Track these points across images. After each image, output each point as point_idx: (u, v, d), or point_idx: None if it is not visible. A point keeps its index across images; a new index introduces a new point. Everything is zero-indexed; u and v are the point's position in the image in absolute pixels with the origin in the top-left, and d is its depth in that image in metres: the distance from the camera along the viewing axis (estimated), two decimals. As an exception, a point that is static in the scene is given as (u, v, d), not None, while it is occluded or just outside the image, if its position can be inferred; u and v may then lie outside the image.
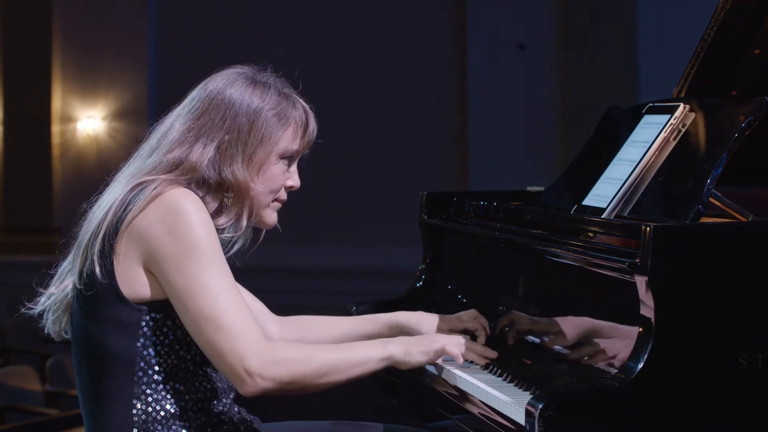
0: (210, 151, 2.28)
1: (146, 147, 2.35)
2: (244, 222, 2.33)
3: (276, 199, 2.39)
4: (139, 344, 2.24)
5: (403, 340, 2.43)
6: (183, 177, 2.26)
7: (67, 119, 9.67)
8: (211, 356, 2.20)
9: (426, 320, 2.69)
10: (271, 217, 2.40)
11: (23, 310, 2.42)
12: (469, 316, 2.70)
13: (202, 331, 2.18)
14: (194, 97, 2.35)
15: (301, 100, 2.40)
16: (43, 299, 2.39)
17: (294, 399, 2.33)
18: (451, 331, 2.67)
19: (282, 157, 2.35)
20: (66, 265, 2.37)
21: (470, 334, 2.67)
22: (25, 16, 9.70)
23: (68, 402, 6.64)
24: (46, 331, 2.40)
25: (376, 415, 2.74)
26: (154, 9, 9.36)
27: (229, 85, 2.33)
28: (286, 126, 2.34)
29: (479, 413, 2.35)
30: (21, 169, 9.77)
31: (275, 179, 2.35)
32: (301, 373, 2.21)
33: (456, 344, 2.45)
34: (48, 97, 9.62)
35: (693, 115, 2.52)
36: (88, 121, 9.58)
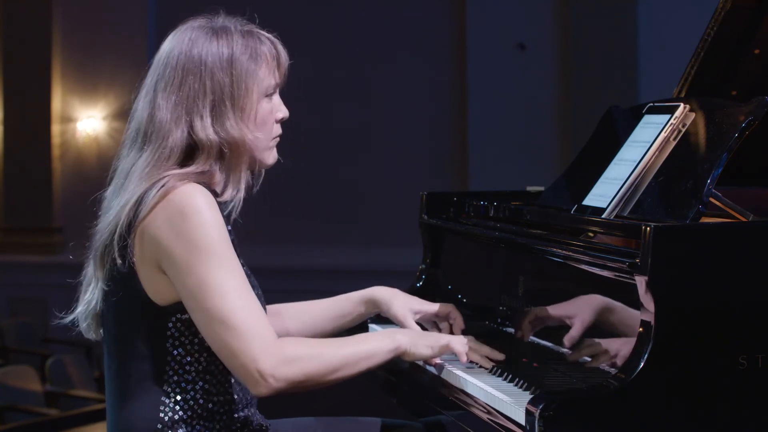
0: (207, 119, 2.24)
1: (134, 132, 2.29)
2: (244, 178, 2.28)
3: (273, 138, 2.35)
4: (168, 344, 2.23)
5: (410, 332, 2.43)
6: (202, 164, 2.22)
7: (67, 119, 9.67)
8: (224, 357, 2.17)
9: (399, 296, 2.66)
10: (271, 156, 2.36)
11: (56, 322, 2.39)
12: (445, 307, 2.69)
13: (214, 332, 2.15)
14: (164, 65, 2.28)
15: (264, 33, 2.35)
16: (72, 315, 2.36)
17: (293, 399, 2.33)
18: (420, 312, 2.66)
19: (266, 95, 2.32)
20: (87, 278, 2.33)
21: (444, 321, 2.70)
22: (25, 16, 9.70)
23: (68, 402, 6.64)
24: (86, 336, 2.37)
25: (375, 414, 2.74)
26: (154, 9, 9.36)
27: (193, 44, 2.27)
28: (261, 64, 2.30)
29: (479, 413, 2.35)
30: (21, 169, 9.77)
31: (266, 120, 2.31)
32: (312, 371, 2.19)
33: (461, 343, 2.45)
34: (48, 97, 9.62)
35: (693, 115, 2.52)
36: (88, 121, 9.58)
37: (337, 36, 8.77)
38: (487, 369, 2.51)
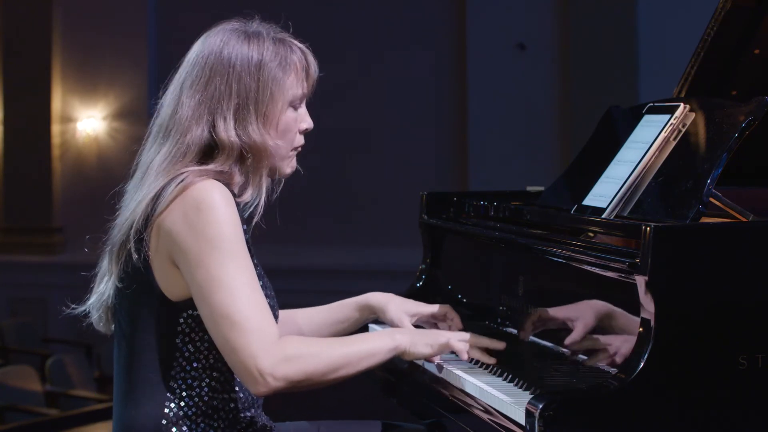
0: (230, 121, 2.24)
1: (157, 127, 2.30)
2: (264, 183, 2.29)
3: (294, 148, 2.35)
4: (178, 341, 2.24)
5: (409, 331, 2.43)
6: (221, 164, 2.23)
7: (67, 119, 9.67)
8: (226, 353, 2.17)
9: (394, 301, 2.67)
10: (289, 166, 2.36)
11: (67, 312, 2.40)
12: (442, 308, 2.69)
13: (219, 326, 2.15)
14: (193, 64, 2.30)
15: (296, 42, 2.36)
16: (84, 306, 2.37)
17: (296, 401, 2.33)
18: (416, 315, 2.66)
19: (291, 104, 2.32)
20: (102, 270, 2.34)
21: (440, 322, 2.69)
22: (25, 17, 9.70)
23: (68, 402, 6.65)
24: (96, 328, 2.38)
25: (376, 415, 2.74)
26: (154, 9, 9.36)
27: (225, 45, 2.28)
28: (289, 73, 2.30)
29: (479, 413, 2.35)
30: (21, 169, 9.77)
31: (289, 128, 2.32)
32: (312, 371, 2.18)
33: (461, 340, 2.44)
34: (48, 97, 9.63)
35: (693, 115, 2.52)
36: (88, 121, 9.58)
37: (337, 36, 8.77)
38: (488, 367, 2.51)
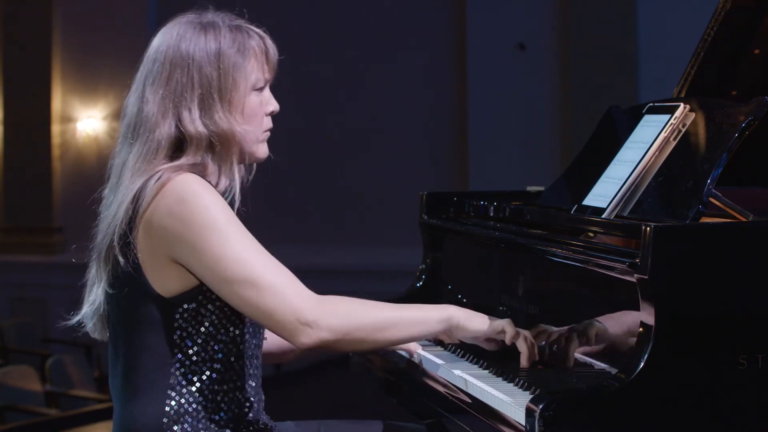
0: (195, 112, 2.26)
1: (125, 128, 2.31)
2: (236, 169, 2.30)
3: (264, 131, 2.37)
4: (175, 337, 2.24)
5: (464, 309, 2.40)
6: (192, 156, 2.24)
7: (67, 119, 9.67)
8: (262, 320, 2.18)
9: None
10: (261, 150, 2.37)
11: (62, 324, 2.40)
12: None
13: (246, 298, 2.16)
14: (153, 60, 2.32)
15: (253, 27, 2.37)
16: (78, 316, 2.37)
17: (297, 401, 2.32)
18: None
19: (254, 89, 2.33)
20: (91, 278, 2.34)
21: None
22: (25, 17, 9.70)
23: (68, 402, 6.65)
24: (92, 336, 2.39)
25: (376, 415, 2.74)
26: (154, 9, 9.37)
27: (181, 38, 2.30)
28: (249, 58, 2.31)
29: (479, 413, 2.35)
30: (21, 169, 9.77)
31: (254, 113, 2.33)
32: (357, 324, 2.20)
33: (513, 326, 2.41)
34: (48, 97, 9.63)
35: (693, 115, 2.52)
36: (88, 121, 9.59)
37: (337, 37, 8.77)
38: (489, 367, 2.51)
